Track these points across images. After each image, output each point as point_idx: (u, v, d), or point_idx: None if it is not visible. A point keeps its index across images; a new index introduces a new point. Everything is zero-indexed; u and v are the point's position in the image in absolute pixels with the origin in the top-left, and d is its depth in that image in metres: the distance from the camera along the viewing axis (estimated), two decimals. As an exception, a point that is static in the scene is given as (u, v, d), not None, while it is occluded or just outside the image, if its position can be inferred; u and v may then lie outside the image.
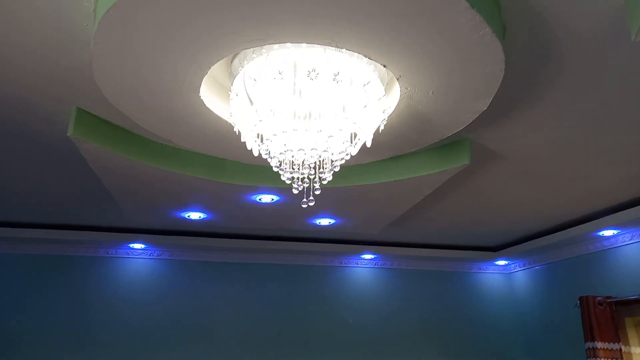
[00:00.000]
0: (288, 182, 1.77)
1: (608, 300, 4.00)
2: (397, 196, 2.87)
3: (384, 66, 1.58)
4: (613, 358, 3.89)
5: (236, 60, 1.75)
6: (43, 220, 4.01)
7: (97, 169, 2.56)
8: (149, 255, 4.66)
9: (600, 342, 3.95)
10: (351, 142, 1.75)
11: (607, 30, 1.60)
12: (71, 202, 3.53)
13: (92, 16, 1.58)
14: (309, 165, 1.75)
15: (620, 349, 3.89)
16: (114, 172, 2.59)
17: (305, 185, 1.82)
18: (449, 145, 2.44)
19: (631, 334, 3.95)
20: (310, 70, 1.54)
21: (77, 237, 4.20)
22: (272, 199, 3.05)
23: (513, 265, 5.37)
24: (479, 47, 1.45)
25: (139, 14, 1.37)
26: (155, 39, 1.50)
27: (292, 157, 1.71)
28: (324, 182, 1.79)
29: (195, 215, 3.54)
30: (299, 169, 1.76)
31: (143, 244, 4.41)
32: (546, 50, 1.70)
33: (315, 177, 1.79)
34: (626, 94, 2.00)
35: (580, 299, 4.14)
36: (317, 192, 1.79)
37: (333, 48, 1.53)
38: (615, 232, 3.92)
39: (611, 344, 3.94)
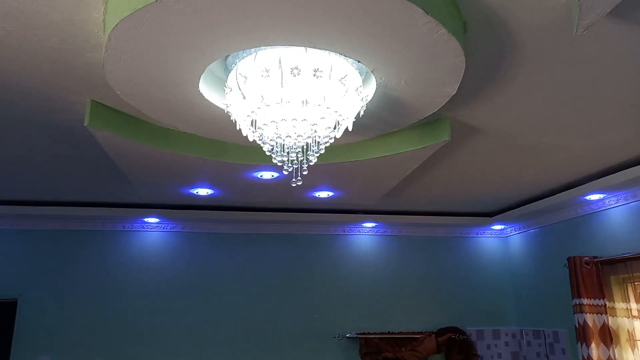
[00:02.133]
0: (279, 164, 2.01)
1: (594, 260, 4.25)
2: (387, 170, 3.11)
3: (358, 61, 1.79)
4: (598, 313, 4.16)
5: (230, 58, 1.97)
6: (65, 198, 4.33)
7: (111, 154, 2.83)
8: (163, 229, 4.99)
9: (586, 299, 4.23)
10: (334, 128, 1.99)
11: (559, 20, 1.78)
12: (90, 182, 3.82)
13: (101, 25, 1.81)
14: (297, 148, 1.99)
15: (605, 305, 4.17)
16: (127, 156, 2.86)
17: (295, 166, 2.06)
18: (430, 123, 2.66)
19: (615, 290, 4.21)
20: (293, 68, 1.76)
21: (96, 213, 4.53)
22: (272, 176, 3.31)
23: (509, 229, 5.63)
24: (439, 44, 1.66)
25: (143, 26, 1.60)
26: (158, 45, 1.73)
27: (282, 142, 1.95)
28: (311, 163, 2.03)
29: (203, 192, 3.82)
30: (288, 152, 2.00)
31: (157, 217, 4.72)
32: (509, 39, 1.89)
33: (303, 159, 2.03)
34: (584, 73, 2.19)
35: (569, 259, 4.40)
36: (305, 172, 2.03)
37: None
38: (601, 196, 4.12)
39: (596, 300, 4.21)
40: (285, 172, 2.04)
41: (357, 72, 1.94)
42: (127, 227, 4.92)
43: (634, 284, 4.07)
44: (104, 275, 4.75)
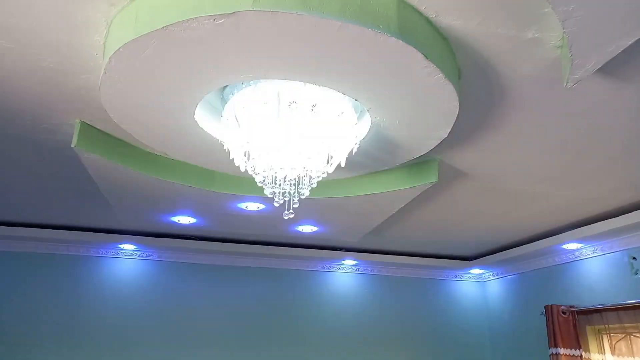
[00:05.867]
0: (270, 196, 2.00)
1: (571, 310, 4.28)
2: (373, 208, 3.12)
3: (356, 100, 1.82)
4: (574, 363, 4.16)
5: (227, 88, 1.98)
6: (38, 220, 4.19)
7: (95, 176, 2.77)
8: (139, 256, 4.85)
9: (562, 348, 4.23)
10: (327, 162, 2.00)
11: (550, 72, 1.86)
12: (66, 204, 3.72)
13: (101, 48, 1.81)
14: (289, 181, 1.99)
15: (581, 355, 4.17)
16: (111, 179, 2.80)
17: (286, 199, 2.05)
18: (419, 165, 2.70)
19: (591, 341, 4.23)
20: (291, 102, 1.78)
21: (69, 237, 4.39)
22: (258, 207, 3.28)
23: (487, 274, 5.65)
24: (435, 89, 1.70)
25: (146, 52, 1.60)
26: (158, 71, 1.73)
27: (275, 174, 1.95)
28: (303, 197, 2.02)
29: (185, 220, 3.75)
30: (280, 184, 1.99)
31: (133, 244, 4.59)
32: (500, 88, 1.96)
33: (295, 192, 2.03)
34: (570, 125, 2.27)
35: (546, 307, 4.42)
36: (296, 206, 2.02)
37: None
38: (578, 245, 4.20)
39: (573, 350, 4.21)
40: (276, 205, 2.02)
41: (353, 109, 1.97)
42: (101, 252, 4.77)
43: (610, 336, 4.09)
44: (72, 301, 4.55)
